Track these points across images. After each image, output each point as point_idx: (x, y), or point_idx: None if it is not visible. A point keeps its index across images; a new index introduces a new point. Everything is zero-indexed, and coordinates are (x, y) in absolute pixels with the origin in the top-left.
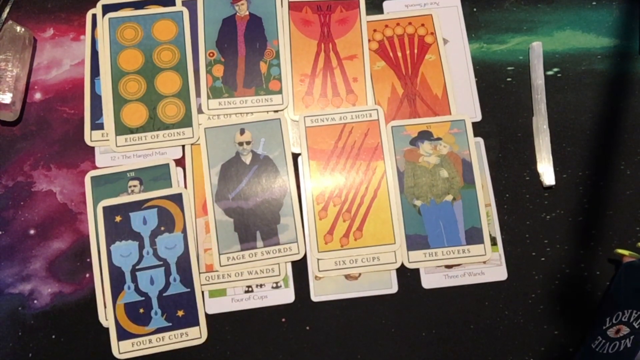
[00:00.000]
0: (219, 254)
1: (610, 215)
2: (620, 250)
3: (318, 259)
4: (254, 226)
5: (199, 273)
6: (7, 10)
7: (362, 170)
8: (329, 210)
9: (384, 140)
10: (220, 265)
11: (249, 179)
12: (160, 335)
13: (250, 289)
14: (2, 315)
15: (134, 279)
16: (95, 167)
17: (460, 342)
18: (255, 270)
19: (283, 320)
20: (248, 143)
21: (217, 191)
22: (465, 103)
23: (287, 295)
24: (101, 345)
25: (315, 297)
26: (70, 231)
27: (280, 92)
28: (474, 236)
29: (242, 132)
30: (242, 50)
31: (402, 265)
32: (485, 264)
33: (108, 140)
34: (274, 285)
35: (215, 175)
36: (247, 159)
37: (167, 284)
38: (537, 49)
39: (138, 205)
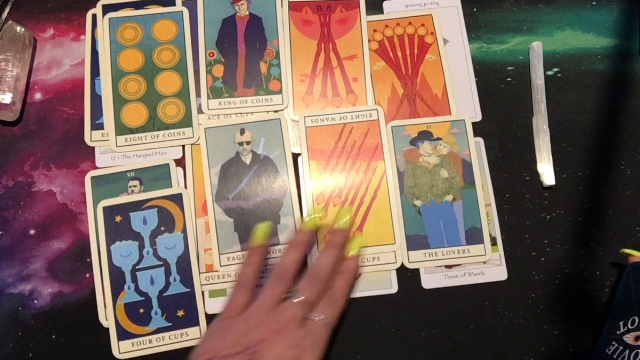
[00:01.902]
0: (219, 254)
1: (610, 215)
2: (627, 250)
3: None
4: (254, 226)
5: (199, 273)
6: (7, 10)
7: (362, 170)
8: (329, 210)
9: (384, 140)
10: (220, 265)
11: (249, 179)
12: (160, 335)
13: None
14: (2, 315)
15: (134, 279)
16: (95, 167)
17: (460, 342)
18: None
19: None
20: (248, 143)
21: (217, 191)
22: (465, 103)
23: None
24: (101, 345)
25: None
26: (70, 231)
27: (280, 92)
28: (474, 236)
29: (242, 132)
30: (242, 50)
31: (402, 265)
32: (485, 264)
33: (108, 140)
34: None
35: (215, 175)
36: (247, 159)
37: (167, 284)
38: (537, 49)
39: (138, 205)
